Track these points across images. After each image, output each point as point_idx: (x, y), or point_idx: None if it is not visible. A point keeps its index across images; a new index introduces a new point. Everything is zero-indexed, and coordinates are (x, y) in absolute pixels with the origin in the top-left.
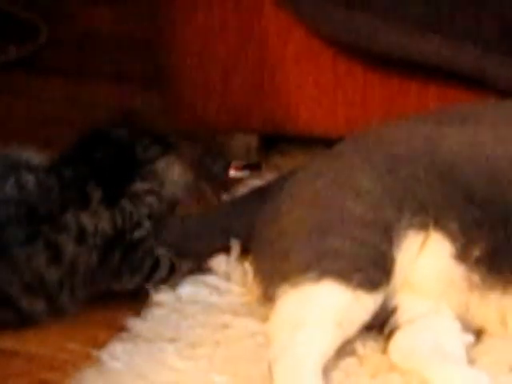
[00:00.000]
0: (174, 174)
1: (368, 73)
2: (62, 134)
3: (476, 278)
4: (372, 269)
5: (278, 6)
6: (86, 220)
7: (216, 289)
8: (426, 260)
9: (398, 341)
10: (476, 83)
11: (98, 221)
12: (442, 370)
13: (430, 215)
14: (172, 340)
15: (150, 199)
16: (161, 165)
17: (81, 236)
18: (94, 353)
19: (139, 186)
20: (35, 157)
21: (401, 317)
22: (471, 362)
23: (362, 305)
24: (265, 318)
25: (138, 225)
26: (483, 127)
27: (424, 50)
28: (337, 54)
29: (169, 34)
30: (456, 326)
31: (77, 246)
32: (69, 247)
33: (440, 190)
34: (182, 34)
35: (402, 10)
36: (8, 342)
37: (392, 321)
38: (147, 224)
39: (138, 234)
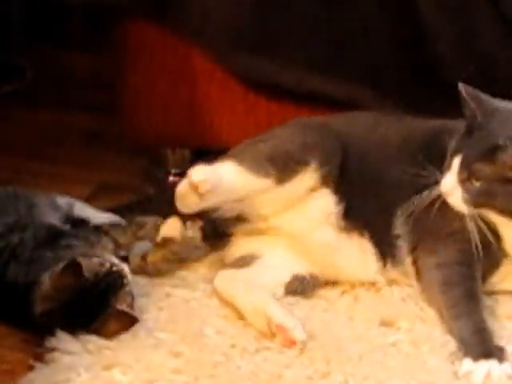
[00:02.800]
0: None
1: (271, 102)
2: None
3: (342, 223)
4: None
5: (204, 53)
6: None
7: None
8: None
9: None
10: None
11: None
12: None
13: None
14: None
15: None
16: None
17: None
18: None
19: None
20: None
21: None
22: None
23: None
24: (196, 289)
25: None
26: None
27: (316, 86)
28: (247, 89)
29: (122, 73)
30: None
31: None
32: None
33: (335, 152)
34: (132, 74)
35: (299, 54)
36: None
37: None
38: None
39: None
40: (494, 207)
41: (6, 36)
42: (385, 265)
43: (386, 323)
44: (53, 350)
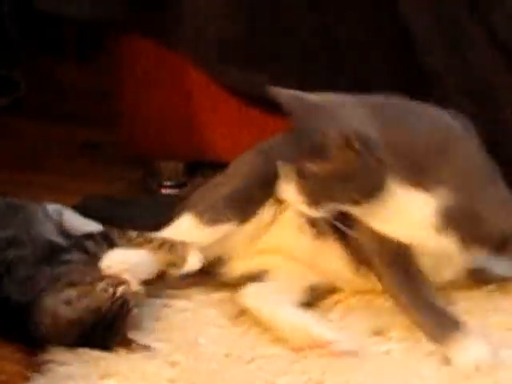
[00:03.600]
0: None
1: (265, 115)
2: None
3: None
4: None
5: (198, 68)
6: None
7: None
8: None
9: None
10: None
11: None
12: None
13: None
14: None
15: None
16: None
17: None
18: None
19: None
20: None
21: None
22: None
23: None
24: (192, 299)
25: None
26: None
27: None
28: (241, 102)
29: (118, 86)
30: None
31: None
32: None
33: None
34: (128, 87)
35: (287, 67)
36: None
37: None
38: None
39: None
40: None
41: (1, 49)
42: (357, 269)
43: (378, 332)
44: (49, 360)
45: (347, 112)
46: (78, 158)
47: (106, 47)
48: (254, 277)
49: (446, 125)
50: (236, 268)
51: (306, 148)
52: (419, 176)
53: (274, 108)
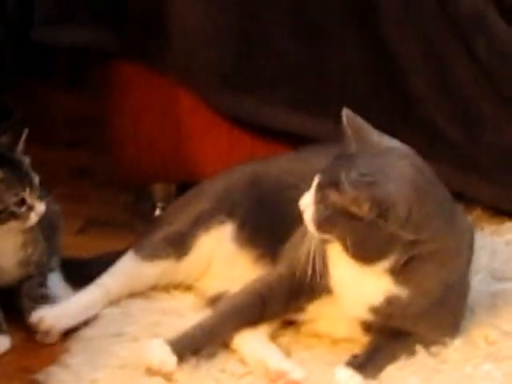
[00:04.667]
0: None
1: (254, 138)
2: None
3: (248, 255)
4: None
5: (188, 91)
6: None
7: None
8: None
9: None
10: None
11: None
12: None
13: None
14: (117, 335)
15: None
16: None
17: None
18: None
19: None
20: None
21: None
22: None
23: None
24: (184, 316)
25: None
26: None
27: (290, 123)
28: (231, 125)
29: (109, 111)
30: None
31: None
32: None
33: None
34: (119, 112)
35: (276, 92)
36: None
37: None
38: None
39: None
40: (333, 234)
41: None
42: None
43: None
44: (49, 378)
45: (392, 170)
46: (71, 184)
47: (95, 73)
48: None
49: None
50: (207, 287)
51: (335, 177)
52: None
53: (262, 132)
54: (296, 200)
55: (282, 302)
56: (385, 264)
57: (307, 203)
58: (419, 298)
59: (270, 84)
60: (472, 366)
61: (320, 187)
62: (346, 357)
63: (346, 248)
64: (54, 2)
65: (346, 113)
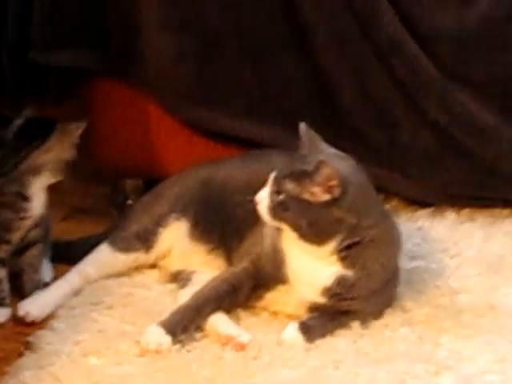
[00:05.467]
0: None
1: (208, 142)
2: None
3: (202, 248)
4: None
5: (156, 104)
6: None
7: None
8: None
9: (185, 294)
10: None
11: None
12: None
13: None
14: (95, 304)
15: None
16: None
17: None
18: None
19: None
20: None
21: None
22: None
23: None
24: (152, 289)
25: None
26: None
27: (241, 130)
28: (191, 132)
29: (90, 120)
30: None
31: None
32: None
33: (196, 200)
34: (98, 121)
35: (232, 104)
36: None
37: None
38: None
39: None
40: (286, 219)
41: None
42: None
43: None
44: (40, 340)
45: (340, 162)
46: None
47: (81, 87)
48: (184, 278)
49: None
50: (172, 264)
51: (294, 170)
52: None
53: (217, 137)
54: (239, 202)
55: (248, 291)
56: (333, 245)
57: (263, 196)
58: (365, 280)
59: (224, 98)
60: (391, 330)
61: (276, 180)
62: (286, 324)
63: (298, 231)
64: (49, 28)
65: (301, 126)
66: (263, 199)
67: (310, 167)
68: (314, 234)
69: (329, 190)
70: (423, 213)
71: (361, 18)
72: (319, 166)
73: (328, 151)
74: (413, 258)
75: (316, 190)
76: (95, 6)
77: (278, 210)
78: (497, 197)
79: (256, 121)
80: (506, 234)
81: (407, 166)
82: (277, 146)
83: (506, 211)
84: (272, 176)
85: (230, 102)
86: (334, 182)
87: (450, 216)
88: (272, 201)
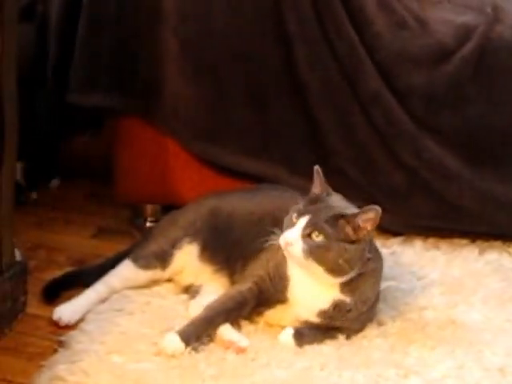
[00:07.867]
0: None
1: (219, 175)
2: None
3: (209, 269)
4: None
5: (173, 140)
6: None
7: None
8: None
9: (195, 304)
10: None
11: None
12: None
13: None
14: (119, 310)
15: None
16: None
17: None
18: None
19: None
20: None
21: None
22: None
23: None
24: (167, 299)
25: None
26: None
27: (248, 167)
28: (202, 165)
29: (115, 153)
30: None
31: None
32: None
33: (205, 227)
34: (122, 154)
35: (238, 144)
36: None
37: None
38: None
39: None
40: (323, 260)
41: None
42: None
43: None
44: (71, 340)
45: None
46: (87, 203)
47: (107, 124)
48: (194, 290)
49: None
50: (183, 279)
51: (328, 215)
52: None
53: (225, 170)
54: (242, 229)
55: (251, 308)
56: (350, 275)
57: (295, 238)
58: (359, 305)
59: (231, 137)
60: (368, 340)
61: (312, 223)
62: (280, 332)
63: (329, 266)
64: (83, 74)
65: (316, 168)
66: (295, 241)
67: (347, 210)
68: (342, 268)
69: (360, 230)
70: (395, 240)
71: (348, 74)
72: (366, 210)
73: (335, 193)
74: (386, 279)
75: (349, 230)
76: (124, 54)
77: (317, 251)
78: (458, 228)
79: (259, 158)
80: (465, 260)
81: (383, 201)
82: (277, 182)
83: (464, 240)
84: (305, 219)
85: (236, 141)
86: (373, 225)
87: (418, 244)
88: (307, 243)
